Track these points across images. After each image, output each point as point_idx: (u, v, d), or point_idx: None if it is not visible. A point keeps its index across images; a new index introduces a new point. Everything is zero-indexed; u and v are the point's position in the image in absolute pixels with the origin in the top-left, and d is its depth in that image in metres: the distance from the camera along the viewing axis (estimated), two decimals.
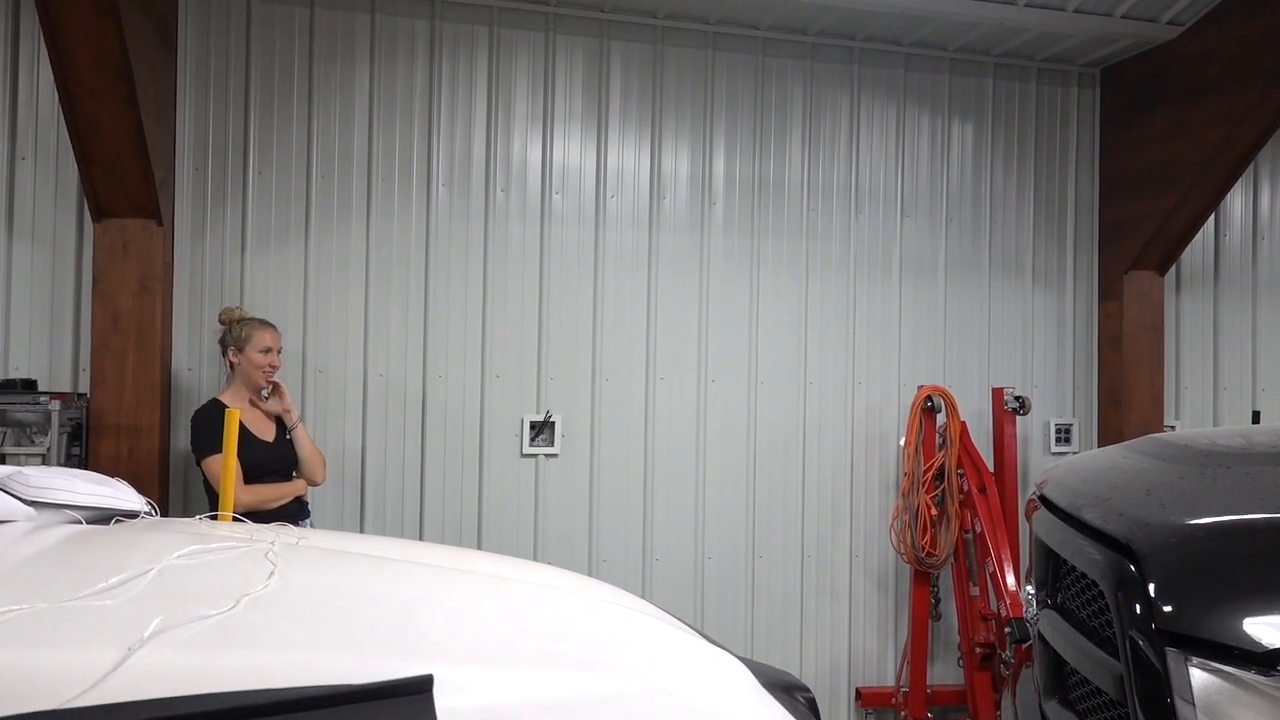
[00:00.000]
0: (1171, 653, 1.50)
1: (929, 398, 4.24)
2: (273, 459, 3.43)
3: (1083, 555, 1.82)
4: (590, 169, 4.23)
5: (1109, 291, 4.69)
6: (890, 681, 4.40)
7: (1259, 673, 1.39)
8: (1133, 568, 1.62)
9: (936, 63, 4.60)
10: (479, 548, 3.96)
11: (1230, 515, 1.61)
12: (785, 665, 4.33)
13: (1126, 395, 4.52)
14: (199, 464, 3.33)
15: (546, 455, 4.17)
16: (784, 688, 1.14)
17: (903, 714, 4.25)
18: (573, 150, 4.21)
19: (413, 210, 4.03)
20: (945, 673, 4.46)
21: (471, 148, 4.09)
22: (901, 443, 4.35)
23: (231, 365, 3.46)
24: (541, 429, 4.16)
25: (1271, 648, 1.37)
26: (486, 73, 4.10)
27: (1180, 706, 1.47)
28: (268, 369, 3.43)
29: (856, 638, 4.44)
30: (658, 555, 4.24)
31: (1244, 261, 4.99)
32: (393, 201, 4.01)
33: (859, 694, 4.36)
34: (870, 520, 4.46)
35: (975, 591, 4.08)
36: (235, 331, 3.44)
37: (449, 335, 4.09)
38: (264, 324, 3.49)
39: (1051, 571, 2.10)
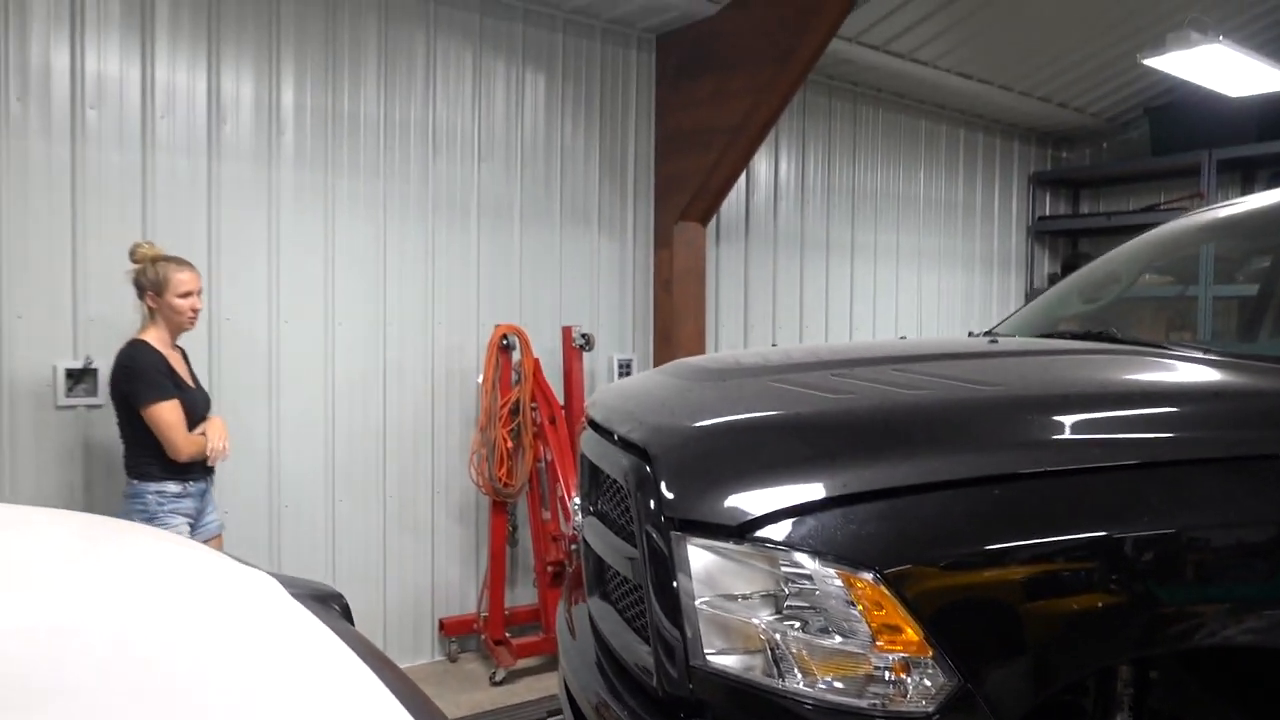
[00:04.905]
0: (675, 536, 1.77)
1: (505, 336, 4.44)
2: (202, 404, 3.46)
3: (614, 463, 2.06)
4: (134, 83, 3.77)
5: (662, 239, 5.23)
6: (472, 609, 4.61)
7: (734, 543, 1.69)
8: (648, 468, 1.88)
9: (511, 11, 4.74)
10: None
11: (720, 418, 1.92)
12: (368, 605, 4.36)
13: (675, 332, 5.11)
14: (139, 410, 3.24)
15: (89, 407, 3.71)
16: (316, 597, 1.18)
17: (483, 637, 4.49)
18: (111, 60, 3.72)
19: None
20: (524, 595, 4.78)
21: None
22: (480, 380, 4.52)
23: (150, 309, 3.36)
24: (82, 377, 3.68)
25: (742, 521, 1.67)
26: None
27: (681, 580, 1.75)
28: (190, 314, 3.38)
29: (439, 571, 4.58)
30: (226, 509, 3.98)
31: (767, 218, 5.84)
32: None
33: (442, 624, 4.51)
34: (451, 456, 4.59)
35: (547, 515, 4.40)
36: (151, 273, 3.32)
37: None
38: (181, 264, 3.37)
39: (593, 483, 2.35)
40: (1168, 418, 1.74)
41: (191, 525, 3.40)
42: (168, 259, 3.38)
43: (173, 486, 3.33)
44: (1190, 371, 1.89)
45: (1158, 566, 1.62)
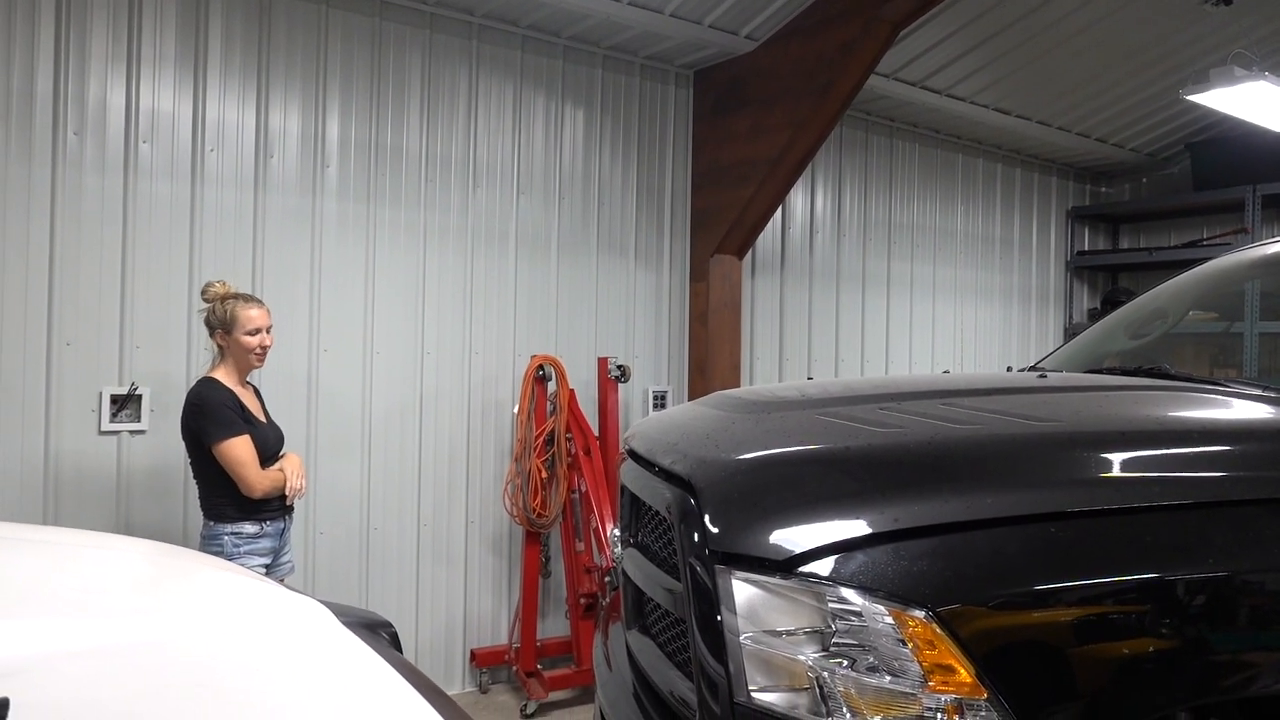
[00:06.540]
0: (719, 570, 1.74)
1: (541, 367, 4.45)
2: (274, 441, 3.39)
3: (657, 495, 2.04)
4: (185, 118, 3.87)
5: (698, 272, 5.24)
6: (504, 640, 4.59)
7: (781, 577, 1.67)
8: (692, 500, 1.86)
9: (551, 48, 4.81)
10: None
11: (764, 451, 1.91)
12: (400, 633, 4.33)
13: (711, 364, 5.10)
14: (210, 448, 3.18)
15: (131, 432, 3.76)
16: (366, 625, 1.17)
17: (514, 668, 4.45)
18: (164, 96, 3.81)
19: None
20: (555, 626, 4.75)
21: (35, 81, 3.56)
22: (515, 410, 4.53)
23: (220, 347, 3.34)
24: (125, 403, 3.74)
25: (788, 556, 1.65)
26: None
27: (725, 615, 1.72)
28: (259, 351, 3.34)
29: (472, 601, 4.56)
30: None
31: (803, 251, 5.84)
32: None
33: (473, 655, 4.49)
34: (486, 487, 4.59)
35: (580, 547, 4.38)
36: (220, 311, 3.30)
37: (4, 296, 3.53)
38: (249, 301, 3.34)
39: (634, 514, 2.33)
40: (1228, 456, 1.70)
41: (267, 567, 3.29)
42: (237, 296, 3.34)
43: (249, 527, 3.25)
44: (1248, 409, 1.85)
45: (1217, 610, 1.57)
